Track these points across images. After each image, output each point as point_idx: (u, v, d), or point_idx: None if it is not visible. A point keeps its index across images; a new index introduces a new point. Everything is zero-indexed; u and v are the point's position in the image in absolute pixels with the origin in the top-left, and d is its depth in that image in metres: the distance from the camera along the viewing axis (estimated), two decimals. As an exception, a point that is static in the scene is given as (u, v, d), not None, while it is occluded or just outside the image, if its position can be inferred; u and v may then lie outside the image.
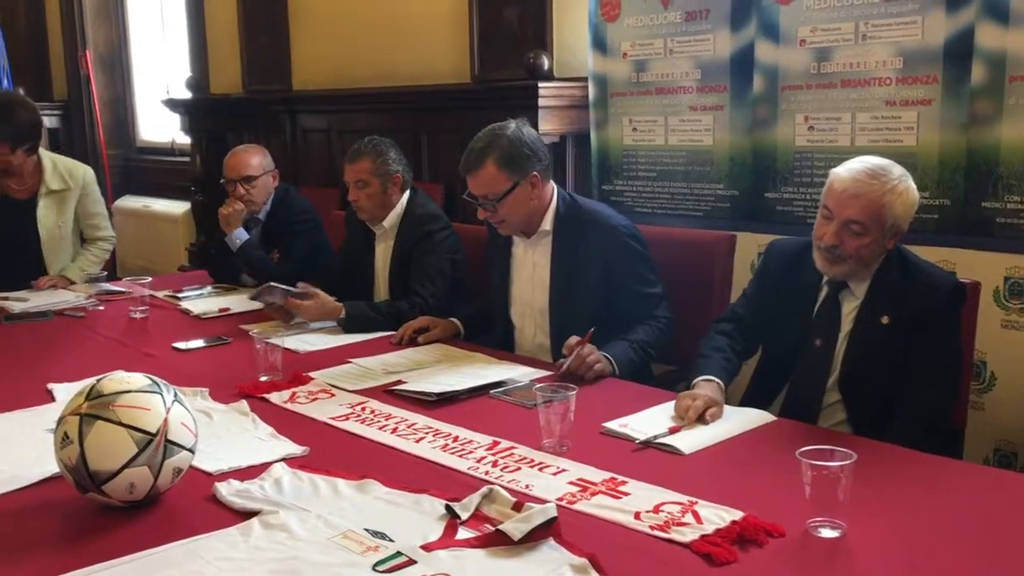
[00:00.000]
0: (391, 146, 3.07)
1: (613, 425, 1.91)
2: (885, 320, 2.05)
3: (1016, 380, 2.59)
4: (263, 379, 2.27)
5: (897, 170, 2.04)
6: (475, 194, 2.50)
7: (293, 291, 2.85)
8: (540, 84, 3.49)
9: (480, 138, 2.50)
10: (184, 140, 5.88)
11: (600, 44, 3.49)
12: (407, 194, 3.08)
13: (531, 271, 2.62)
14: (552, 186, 2.57)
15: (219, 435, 1.92)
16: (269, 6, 5.25)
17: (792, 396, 2.17)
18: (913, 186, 2.05)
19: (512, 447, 1.83)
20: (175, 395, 1.63)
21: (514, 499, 1.52)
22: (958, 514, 1.53)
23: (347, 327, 2.80)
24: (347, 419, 2.04)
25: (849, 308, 2.10)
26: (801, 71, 2.96)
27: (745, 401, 2.18)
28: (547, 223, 2.56)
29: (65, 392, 2.15)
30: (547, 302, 2.58)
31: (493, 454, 1.80)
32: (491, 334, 2.77)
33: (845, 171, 2.05)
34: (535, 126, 3.13)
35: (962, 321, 2.11)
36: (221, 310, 3.13)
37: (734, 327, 2.28)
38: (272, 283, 2.85)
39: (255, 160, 3.49)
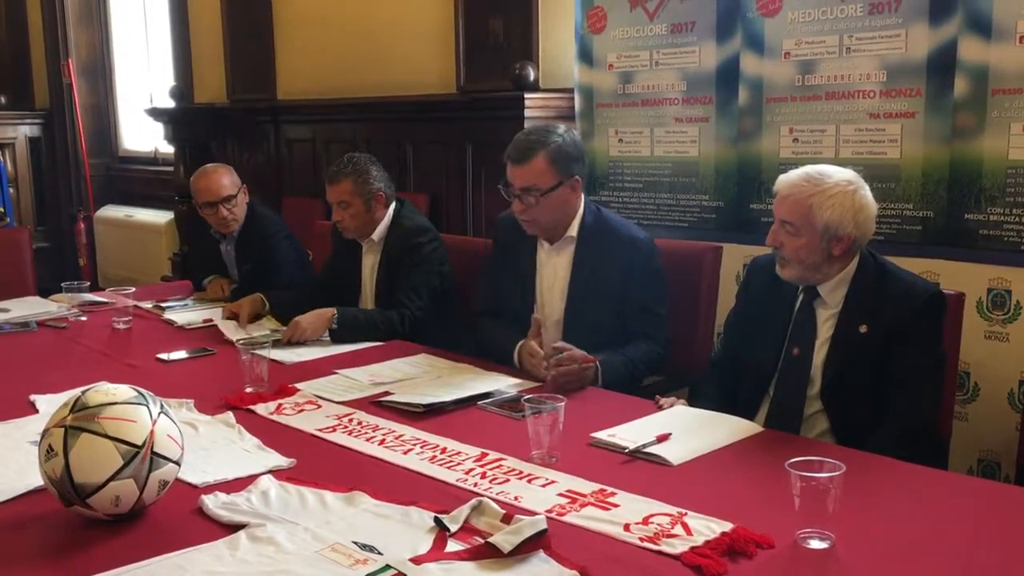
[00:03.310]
0: (372, 163, 3.03)
1: (602, 435, 1.91)
2: (864, 329, 2.05)
3: (999, 390, 2.61)
4: (248, 390, 2.26)
5: (839, 176, 2.05)
6: (517, 186, 2.49)
7: (277, 338, 2.73)
8: (526, 95, 3.51)
9: (532, 131, 2.53)
10: (167, 149, 5.85)
11: (586, 55, 3.50)
12: (393, 207, 3.07)
13: (552, 278, 2.62)
14: (583, 195, 2.59)
15: (205, 447, 1.91)
16: (254, 15, 5.23)
17: (775, 406, 2.17)
18: (859, 193, 2.04)
19: (501, 459, 1.83)
20: (161, 407, 1.61)
21: (503, 511, 1.51)
22: (944, 524, 1.54)
23: (338, 335, 2.77)
24: (334, 431, 2.02)
25: (824, 316, 2.11)
26: (786, 83, 2.98)
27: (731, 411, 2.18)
28: (573, 230, 2.57)
29: (48, 404, 2.13)
30: (563, 310, 2.58)
31: (482, 466, 1.80)
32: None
33: (786, 175, 2.11)
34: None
35: (943, 329, 2.12)
36: (205, 321, 3.11)
37: (715, 385, 2.29)
38: (246, 347, 2.37)
39: (227, 179, 3.48)
